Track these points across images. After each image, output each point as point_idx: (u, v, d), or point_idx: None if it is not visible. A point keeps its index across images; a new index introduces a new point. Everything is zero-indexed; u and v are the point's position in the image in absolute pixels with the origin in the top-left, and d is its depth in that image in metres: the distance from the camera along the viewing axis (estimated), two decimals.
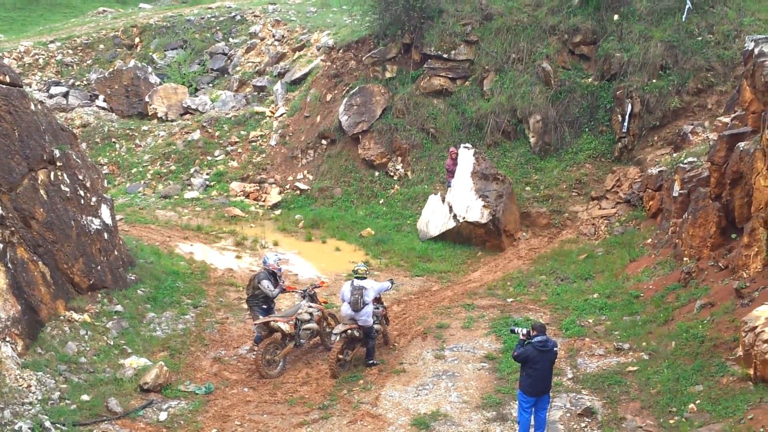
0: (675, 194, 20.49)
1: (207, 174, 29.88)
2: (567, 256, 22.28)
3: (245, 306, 18.14)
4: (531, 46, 28.70)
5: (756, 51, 18.09)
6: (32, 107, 17.22)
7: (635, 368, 15.21)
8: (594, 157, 26.29)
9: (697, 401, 13.39)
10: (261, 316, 16.91)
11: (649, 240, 21.25)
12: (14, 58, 36.68)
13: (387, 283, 17.11)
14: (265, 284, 16.98)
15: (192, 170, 30.10)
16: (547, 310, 18.82)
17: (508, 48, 28.94)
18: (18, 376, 13.92)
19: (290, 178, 29.45)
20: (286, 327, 16.36)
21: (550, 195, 25.61)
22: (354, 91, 30.05)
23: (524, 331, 13.19)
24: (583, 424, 13.65)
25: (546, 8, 29.50)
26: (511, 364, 15.22)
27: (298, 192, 28.80)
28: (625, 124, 25.71)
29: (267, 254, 18.02)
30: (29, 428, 12.65)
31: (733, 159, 17.41)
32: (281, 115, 31.93)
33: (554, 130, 27.01)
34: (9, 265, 15.13)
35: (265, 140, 31.05)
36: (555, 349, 13.09)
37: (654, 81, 25.71)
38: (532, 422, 13.06)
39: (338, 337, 16.34)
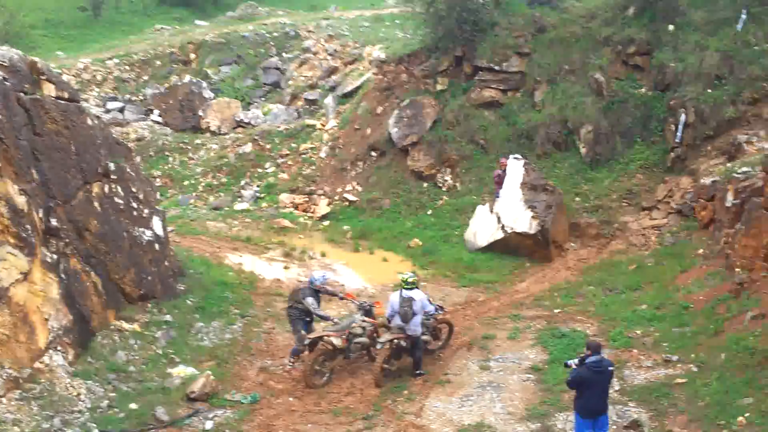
0: (728, 204, 20.14)
1: (257, 186, 30.21)
2: (616, 267, 22.01)
3: None
4: (584, 57, 28.44)
5: None
6: (89, 122, 17.70)
7: (683, 380, 14.94)
8: (646, 168, 25.92)
9: (747, 414, 13.12)
10: (302, 329, 17.01)
11: (701, 250, 20.89)
12: (73, 75, 37.56)
13: (432, 307, 16.71)
14: (310, 301, 16.99)
15: (243, 182, 30.47)
16: (595, 321, 18.60)
17: (561, 59, 28.74)
18: (68, 385, 14.27)
19: (339, 189, 29.62)
20: (338, 342, 16.45)
21: (600, 205, 25.32)
22: (405, 103, 30.13)
23: (577, 360, 12.71)
24: None
25: (600, 19, 29.22)
26: (557, 375, 15.10)
27: (347, 203, 28.95)
28: (679, 134, 25.28)
29: (315, 273, 18.01)
30: None
31: None
32: (332, 127, 32.18)
33: (606, 140, 26.69)
34: (62, 275, 15.52)
35: (315, 152, 31.31)
36: (610, 368, 12.67)
37: (709, 91, 25.23)
38: None
39: (383, 346, 16.37)
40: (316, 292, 17.30)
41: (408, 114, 29.78)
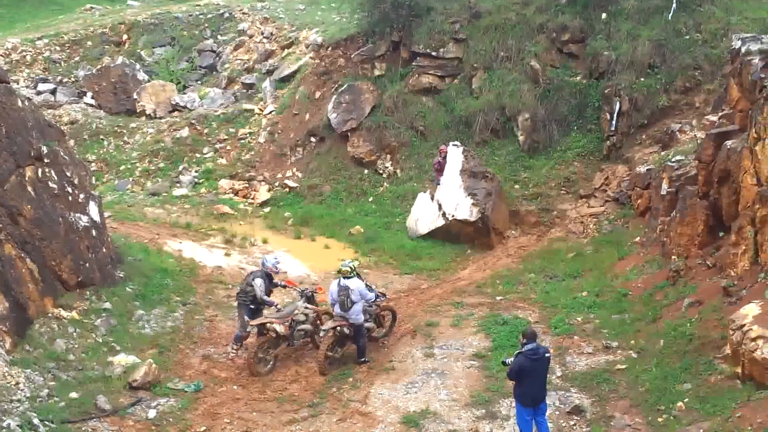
0: (663, 192, 20.56)
1: (196, 171, 29.75)
2: (556, 255, 22.33)
3: (235, 303, 18.06)
4: (519, 44, 28.71)
5: (743, 50, 18.18)
6: (19, 104, 17.16)
7: (624, 366, 15.24)
8: (583, 156, 26.36)
9: (686, 399, 13.43)
10: (246, 316, 16.86)
11: (638, 238, 21.33)
12: (1, 55, 36.42)
13: (372, 295, 16.67)
14: (258, 282, 16.85)
15: (180, 167, 29.96)
16: (536, 309, 18.84)
17: (497, 46, 28.95)
18: (6, 374, 13.84)
19: (279, 175, 29.39)
20: (281, 329, 16.35)
21: (539, 193, 25.66)
22: (343, 88, 30.01)
23: (512, 358, 12.84)
24: (572, 422, 13.68)
25: (534, 6, 29.52)
26: (500, 362, 15.24)
27: (287, 189, 28.74)
28: (614, 122, 25.75)
29: (266, 256, 17.87)
30: (18, 425, 12.57)
31: (720, 157, 17.50)
32: (270, 112, 31.85)
33: (543, 128, 27.04)
34: None
35: (254, 137, 30.97)
36: (547, 355, 12.80)
37: (642, 79, 25.79)
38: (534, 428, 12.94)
39: (326, 334, 16.34)
40: (268, 275, 17.15)
41: (346, 99, 29.67)
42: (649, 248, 20.24)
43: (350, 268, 16.37)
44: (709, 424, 12.44)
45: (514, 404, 13.37)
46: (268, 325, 16.34)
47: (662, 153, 23.02)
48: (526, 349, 12.61)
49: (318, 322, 17.22)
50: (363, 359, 16.45)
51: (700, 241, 18.00)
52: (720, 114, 20.19)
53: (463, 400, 14.69)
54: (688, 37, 26.23)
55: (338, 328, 16.20)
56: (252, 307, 17.00)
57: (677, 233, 18.57)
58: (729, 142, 17.38)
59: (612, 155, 25.74)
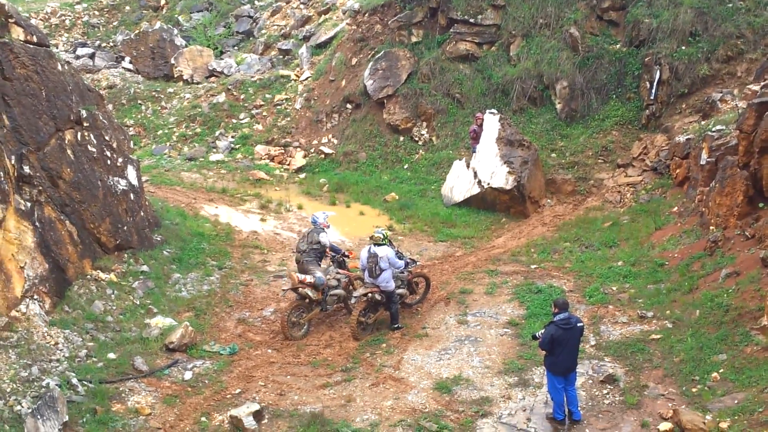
0: (702, 162, 20.28)
1: (232, 137, 29.90)
2: (592, 224, 22.14)
3: (270, 269, 18.15)
4: (559, 11, 28.26)
5: None
6: (59, 67, 17.29)
7: (659, 336, 15.17)
8: (621, 125, 26.01)
9: (721, 370, 13.38)
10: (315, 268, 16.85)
11: (675, 208, 21.08)
12: (41, 19, 36.77)
13: (401, 263, 16.70)
14: (324, 236, 16.93)
15: (217, 133, 30.13)
16: (571, 278, 18.75)
17: (536, 13, 28.53)
18: (45, 334, 14.14)
19: (315, 141, 29.44)
20: (313, 294, 16.46)
21: (575, 162, 25.42)
22: (379, 55, 29.86)
23: (542, 330, 12.94)
24: (605, 391, 13.67)
25: None
26: (534, 330, 15.18)
27: (323, 156, 28.80)
28: (653, 91, 25.36)
29: (316, 213, 17.78)
30: (57, 385, 12.85)
31: (762, 127, 17.15)
32: (306, 78, 31.84)
33: (581, 96, 26.71)
34: (37, 223, 15.30)
35: (290, 104, 31.01)
36: (579, 324, 12.75)
37: (683, 48, 25.30)
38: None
39: (358, 300, 16.44)
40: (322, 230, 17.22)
41: (383, 66, 29.52)
42: (687, 218, 20.00)
43: (383, 235, 16.38)
44: (744, 395, 12.38)
45: (545, 372, 13.39)
46: (300, 290, 16.45)
47: (702, 122, 22.64)
48: (558, 318, 12.62)
49: (350, 287, 17.32)
50: (396, 325, 16.54)
51: (739, 212, 17.73)
52: (762, 83, 19.83)
53: (496, 368, 14.73)
54: (731, 5, 25.64)
55: (370, 294, 16.27)
56: (320, 263, 17.02)
57: (716, 203, 18.33)
58: None
59: (651, 124, 25.40)
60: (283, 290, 16.86)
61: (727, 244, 17.29)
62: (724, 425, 11.77)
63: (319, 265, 16.95)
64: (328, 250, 17.17)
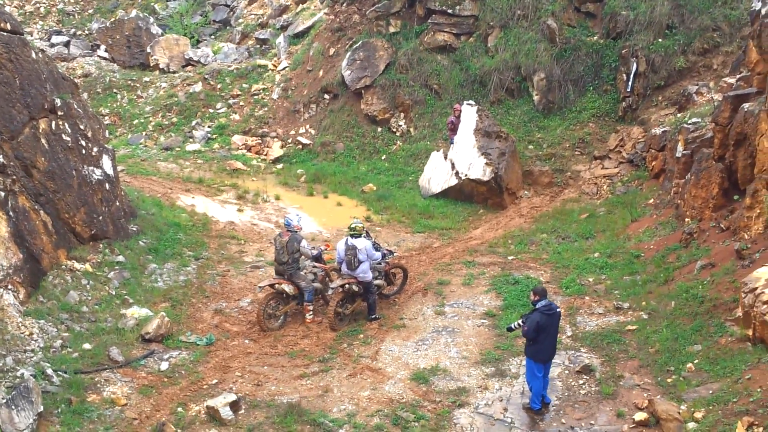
0: (678, 155, 20.42)
1: (209, 127, 29.72)
2: (568, 215, 22.26)
3: (247, 260, 17.99)
4: (536, 3, 28.28)
5: (763, 11, 17.84)
6: (33, 55, 17.10)
7: (634, 327, 15.29)
8: (598, 117, 26.13)
9: (696, 361, 13.50)
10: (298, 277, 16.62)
11: (651, 200, 21.23)
12: (15, 6, 36.34)
13: (378, 254, 16.63)
14: (304, 244, 16.58)
15: (194, 122, 29.93)
16: (548, 269, 18.85)
17: (514, 4, 28.54)
18: (20, 324, 13.99)
19: (292, 132, 29.33)
20: (290, 289, 16.42)
21: (552, 154, 25.52)
22: (357, 45, 29.76)
23: (519, 321, 13.05)
24: (581, 382, 13.76)
25: None
26: (511, 321, 15.24)
27: (300, 146, 28.69)
28: (630, 83, 25.49)
29: (289, 217, 17.11)
30: (31, 375, 12.73)
31: (737, 120, 17.31)
32: (284, 68, 31.70)
33: (558, 88, 26.80)
34: (10, 213, 15.13)
35: (267, 94, 30.87)
36: (558, 310, 12.96)
37: (660, 40, 25.44)
38: None
39: (335, 291, 16.43)
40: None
41: (360, 56, 29.43)
42: (663, 210, 20.15)
43: (358, 226, 16.38)
44: (718, 385, 12.50)
45: (523, 362, 13.46)
46: (276, 285, 16.40)
47: (678, 115, 22.78)
48: (541, 305, 12.73)
49: (327, 279, 17.30)
50: (373, 316, 16.54)
51: (714, 204, 17.88)
52: (738, 76, 19.99)
53: (473, 358, 14.78)
54: None
55: (347, 285, 16.26)
56: (300, 268, 16.69)
57: (691, 196, 18.47)
58: (746, 105, 17.17)
59: (627, 116, 25.53)
60: (259, 287, 16.67)
61: (702, 236, 17.44)
62: (698, 415, 11.88)
63: (300, 270, 16.74)
64: (311, 257, 16.92)
